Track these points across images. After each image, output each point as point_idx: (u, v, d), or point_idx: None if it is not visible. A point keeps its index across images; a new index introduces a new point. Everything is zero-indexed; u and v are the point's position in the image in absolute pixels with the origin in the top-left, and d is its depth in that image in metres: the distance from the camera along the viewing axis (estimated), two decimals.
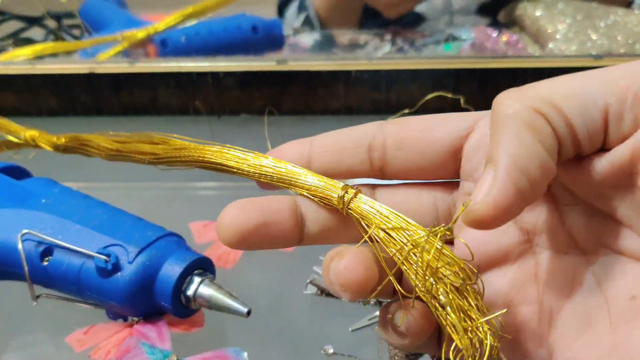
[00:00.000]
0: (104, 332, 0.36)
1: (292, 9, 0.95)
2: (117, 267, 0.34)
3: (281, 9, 0.98)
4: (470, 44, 0.75)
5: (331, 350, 0.36)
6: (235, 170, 0.29)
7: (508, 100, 0.23)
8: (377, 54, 0.78)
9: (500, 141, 0.22)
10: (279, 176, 0.27)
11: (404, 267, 0.24)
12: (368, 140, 0.27)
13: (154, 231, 0.36)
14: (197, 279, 0.35)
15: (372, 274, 0.24)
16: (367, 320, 0.38)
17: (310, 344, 0.37)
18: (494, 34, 0.74)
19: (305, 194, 0.27)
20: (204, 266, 0.36)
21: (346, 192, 0.26)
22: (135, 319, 0.36)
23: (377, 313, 0.38)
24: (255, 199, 0.26)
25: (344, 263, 0.24)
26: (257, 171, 0.28)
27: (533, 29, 0.71)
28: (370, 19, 0.93)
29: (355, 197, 0.26)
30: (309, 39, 0.87)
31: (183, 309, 0.35)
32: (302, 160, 0.28)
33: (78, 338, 0.36)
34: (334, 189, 0.26)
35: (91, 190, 0.41)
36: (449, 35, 0.79)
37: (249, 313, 0.34)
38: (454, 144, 0.26)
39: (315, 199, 0.27)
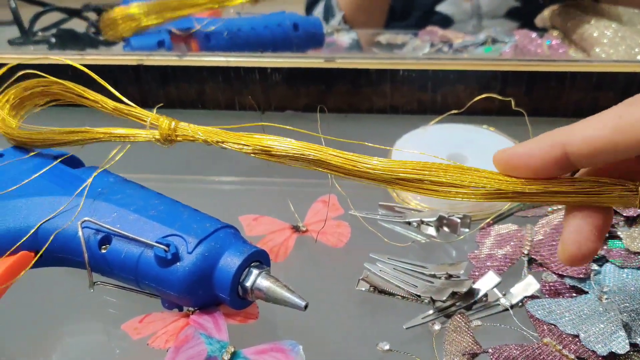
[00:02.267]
0: (160, 322, 0.36)
1: (319, 9, 0.96)
2: (176, 257, 0.34)
3: (309, 9, 0.98)
4: (512, 47, 0.74)
5: (387, 347, 0.35)
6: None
7: None
8: (418, 55, 0.78)
9: None
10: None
11: None
12: None
13: (212, 223, 0.37)
14: (255, 271, 0.35)
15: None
16: (420, 319, 0.37)
17: (363, 340, 0.37)
18: (537, 37, 0.73)
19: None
20: (260, 259, 0.36)
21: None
22: (191, 309, 0.36)
23: (431, 312, 0.38)
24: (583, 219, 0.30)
25: None
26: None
27: (577, 33, 0.71)
28: (396, 21, 0.93)
29: None
30: (346, 37, 0.87)
31: (239, 301, 0.35)
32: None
33: (134, 326, 0.36)
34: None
35: (137, 181, 0.41)
36: (489, 38, 0.79)
37: (306, 307, 0.34)
38: None
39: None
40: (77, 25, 0.83)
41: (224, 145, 0.36)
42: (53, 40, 0.78)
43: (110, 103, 0.40)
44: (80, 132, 0.41)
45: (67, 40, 0.79)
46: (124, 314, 0.37)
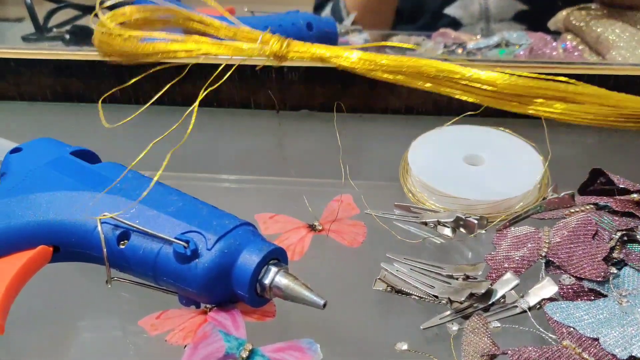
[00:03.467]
0: (178, 318, 0.36)
1: (327, 11, 0.96)
2: (195, 254, 0.34)
3: (317, 10, 0.98)
4: (526, 49, 0.74)
5: (404, 347, 0.35)
6: None
7: None
8: (433, 56, 0.78)
9: None
10: None
11: None
12: None
13: (231, 220, 0.37)
14: (273, 269, 0.35)
15: None
16: (438, 319, 0.37)
17: (380, 340, 0.37)
18: (552, 40, 0.73)
19: None
20: (278, 257, 0.36)
21: None
22: (209, 306, 0.36)
23: (448, 313, 0.38)
24: None
25: None
26: None
27: (592, 37, 0.70)
28: (405, 23, 0.93)
29: None
30: (358, 38, 0.87)
31: (257, 299, 0.35)
32: None
33: (151, 322, 0.36)
34: None
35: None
36: (503, 40, 0.78)
37: (325, 305, 0.34)
38: None
39: None
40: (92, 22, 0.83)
41: (337, 62, 0.39)
42: (67, 36, 0.79)
43: (217, 23, 0.41)
44: (190, 41, 0.42)
45: (82, 36, 0.79)
46: (140, 310, 0.37)
